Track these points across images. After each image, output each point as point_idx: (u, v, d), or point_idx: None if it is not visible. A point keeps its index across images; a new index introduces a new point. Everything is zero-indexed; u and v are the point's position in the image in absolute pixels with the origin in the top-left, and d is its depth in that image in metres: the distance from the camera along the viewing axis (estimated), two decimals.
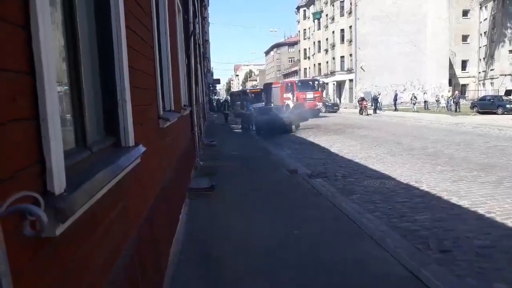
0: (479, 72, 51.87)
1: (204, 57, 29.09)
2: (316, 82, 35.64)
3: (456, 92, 34.99)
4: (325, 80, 55.56)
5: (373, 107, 35.20)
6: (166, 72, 4.93)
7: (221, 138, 17.03)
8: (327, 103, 41.02)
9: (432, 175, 8.69)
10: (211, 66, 76.91)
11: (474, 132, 17.56)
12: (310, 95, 32.40)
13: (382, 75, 45.25)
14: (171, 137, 4.67)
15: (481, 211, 6.08)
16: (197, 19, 16.53)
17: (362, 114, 32.90)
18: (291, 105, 28.96)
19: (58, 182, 1.34)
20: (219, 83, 57.92)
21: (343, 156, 11.97)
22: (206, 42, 40.24)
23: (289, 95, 32.61)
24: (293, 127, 21.01)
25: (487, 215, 5.89)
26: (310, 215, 5.97)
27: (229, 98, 46.16)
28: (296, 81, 35.54)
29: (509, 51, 24.80)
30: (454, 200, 6.74)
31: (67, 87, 1.81)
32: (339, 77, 51.25)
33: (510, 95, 30.93)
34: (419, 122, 24.27)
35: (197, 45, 12.42)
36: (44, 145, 1.30)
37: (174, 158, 5.12)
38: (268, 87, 38.57)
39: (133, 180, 2.50)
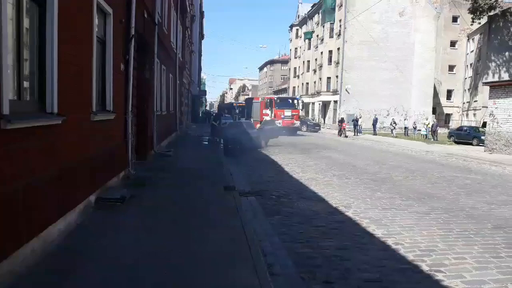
0: (463, 103, 52.34)
1: (184, 68, 28.97)
2: (296, 100, 35.59)
3: (434, 120, 35.08)
4: (312, 100, 55.83)
5: (353, 130, 35.19)
6: (51, 73, 4.65)
7: (182, 149, 16.69)
8: (309, 122, 40.98)
9: (366, 201, 8.43)
10: (203, 77, 76.95)
11: (437, 161, 17.44)
12: (288, 112, 32.24)
13: (366, 99, 45.33)
14: (38, 141, 4.35)
15: (390, 241, 5.80)
16: (176, 28, 16.42)
17: (340, 135, 32.80)
18: None
19: None
20: (205, 94, 57.87)
21: (292, 175, 11.71)
22: (192, 52, 40.32)
23: (268, 111, 32.42)
24: (263, 143, 20.75)
25: (394, 246, 5.62)
26: (212, 236, 5.57)
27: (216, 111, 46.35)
28: (275, 98, 35.35)
29: (483, 83, 24.93)
30: (371, 228, 6.46)
31: None
32: (324, 97, 51.35)
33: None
34: (391, 147, 24.20)
35: (154, 54, 12.19)
36: None
37: (51, 164, 4.77)
38: (249, 101, 38.45)
39: None
